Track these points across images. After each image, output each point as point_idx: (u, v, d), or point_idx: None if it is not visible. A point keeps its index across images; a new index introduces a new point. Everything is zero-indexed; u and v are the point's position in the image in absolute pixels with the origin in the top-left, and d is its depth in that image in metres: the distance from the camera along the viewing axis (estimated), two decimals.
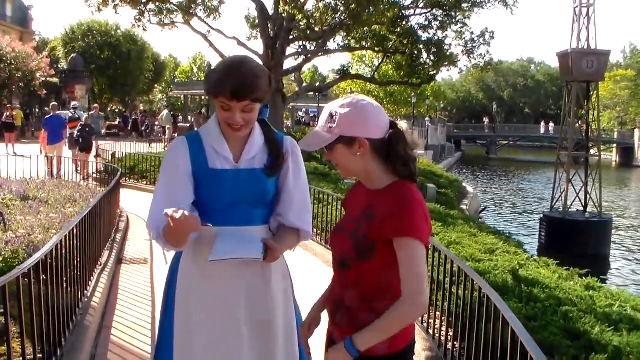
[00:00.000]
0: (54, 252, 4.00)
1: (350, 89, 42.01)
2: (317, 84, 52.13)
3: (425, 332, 5.00)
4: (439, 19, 24.45)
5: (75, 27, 43.84)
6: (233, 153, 2.34)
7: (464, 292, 4.32)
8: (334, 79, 32.88)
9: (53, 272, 3.92)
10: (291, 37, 23.96)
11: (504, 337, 3.33)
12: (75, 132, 15.86)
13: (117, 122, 40.00)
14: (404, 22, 24.66)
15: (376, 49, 25.87)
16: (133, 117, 32.05)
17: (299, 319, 2.47)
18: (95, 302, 5.38)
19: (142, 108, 49.53)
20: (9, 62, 30.12)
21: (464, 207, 20.22)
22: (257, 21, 24.65)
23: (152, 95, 62.14)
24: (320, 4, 22.73)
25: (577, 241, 22.04)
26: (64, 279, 4.29)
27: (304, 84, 32.36)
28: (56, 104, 18.62)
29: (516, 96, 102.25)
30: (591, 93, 24.83)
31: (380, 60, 28.19)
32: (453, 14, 24.13)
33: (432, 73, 25.69)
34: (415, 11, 24.75)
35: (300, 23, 23.17)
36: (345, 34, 24.43)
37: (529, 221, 28.71)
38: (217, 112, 2.32)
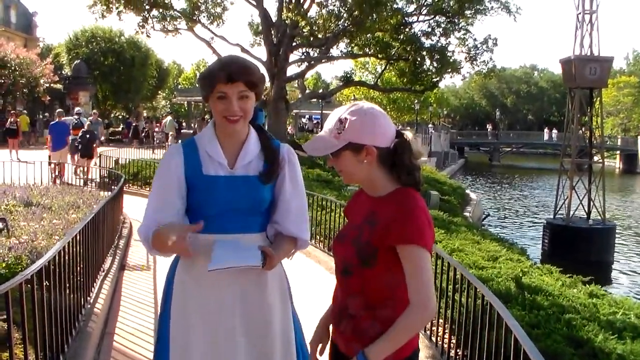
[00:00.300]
0: (57, 258, 4.00)
1: (354, 95, 42.08)
2: (320, 90, 52.26)
3: (429, 339, 4.99)
4: (442, 25, 24.51)
5: (79, 34, 43.91)
6: (228, 159, 2.34)
7: (467, 300, 4.31)
8: (337, 86, 32.91)
9: (56, 278, 3.93)
10: (294, 43, 24.02)
11: (506, 345, 3.32)
12: (77, 138, 15.96)
13: (120, 129, 40.07)
14: (407, 29, 24.72)
15: (379, 55, 25.92)
16: (133, 124, 32.09)
17: (298, 326, 2.46)
18: (98, 308, 5.38)
19: (145, 114, 49.61)
20: (13, 68, 30.18)
21: (467, 214, 20.20)
22: (260, 28, 24.71)
23: (156, 102, 62.23)
24: (324, 11, 22.81)
25: (581, 248, 21.97)
26: (67, 285, 4.29)
27: (307, 91, 32.46)
28: (61, 110, 18.65)
29: (519, 103, 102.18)
30: (594, 100, 24.81)
31: (383, 67, 28.22)
32: (456, 20, 24.19)
33: (435, 80, 25.70)
34: (418, 18, 24.82)
35: (304, 30, 23.22)
36: (348, 40, 24.48)
37: (532, 228, 28.63)
38: (213, 118, 2.34)
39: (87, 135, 15.96)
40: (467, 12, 23.66)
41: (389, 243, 1.94)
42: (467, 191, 27.76)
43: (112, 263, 7.13)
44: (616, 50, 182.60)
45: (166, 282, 2.42)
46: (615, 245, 23.70)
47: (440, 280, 5.00)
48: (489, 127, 79.15)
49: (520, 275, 6.79)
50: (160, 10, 23.80)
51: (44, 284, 3.63)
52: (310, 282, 6.99)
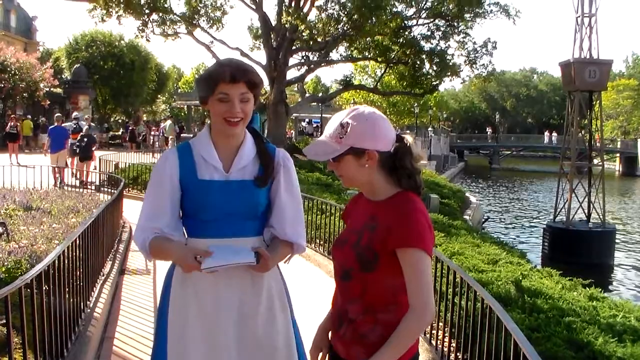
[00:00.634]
0: (57, 262, 4.00)
1: (353, 99, 42.08)
2: (320, 94, 52.37)
3: (428, 343, 4.98)
4: (442, 29, 24.57)
5: (79, 38, 43.92)
6: (223, 162, 2.33)
7: (466, 303, 4.31)
8: (337, 89, 32.95)
9: (55, 283, 3.92)
10: (294, 47, 24.07)
11: (506, 349, 3.31)
12: (75, 142, 16.08)
13: (120, 132, 40.08)
14: (407, 33, 24.78)
15: (379, 59, 25.98)
16: (130, 128, 32.16)
17: (297, 332, 2.45)
18: (98, 312, 5.37)
19: (145, 118, 49.60)
20: (13, 72, 30.17)
21: (466, 217, 20.15)
22: (260, 32, 24.77)
23: (155, 106, 62.23)
24: (323, 15, 22.86)
25: (581, 251, 21.94)
26: (67, 289, 4.29)
27: (307, 95, 32.49)
28: (60, 115, 18.78)
29: (519, 106, 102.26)
30: (594, 102, 24.80)
31: (383, 71, 28.32)
32: (455, 24, 24.25)
33: (434, 83, 25.76)
34: (417, 21, 24.90)
35: (303, 34, 23.28)
36: (347, 44, 24.55)
37: (532, 231, 28.60)
38: (210, 122, 2.36)
39: (86, 139, 16.03)
40: (467, 16, 23.73)
41: (389, 247, 1.94)
42: (467, 194, 27.74)
43: (112, 267, 7.12)
44: (615, 53, 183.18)
45: (163, 287, 2.42)
46: (616, 248, 23.68)
47: (440, 283, 4.99)
48: (489, 130, 79.14)
49: (520, 278, 6.78)
50: (160, 14, 23.87)
51: (44, 288, 3.63)
52: (310, 285, 6.99)
